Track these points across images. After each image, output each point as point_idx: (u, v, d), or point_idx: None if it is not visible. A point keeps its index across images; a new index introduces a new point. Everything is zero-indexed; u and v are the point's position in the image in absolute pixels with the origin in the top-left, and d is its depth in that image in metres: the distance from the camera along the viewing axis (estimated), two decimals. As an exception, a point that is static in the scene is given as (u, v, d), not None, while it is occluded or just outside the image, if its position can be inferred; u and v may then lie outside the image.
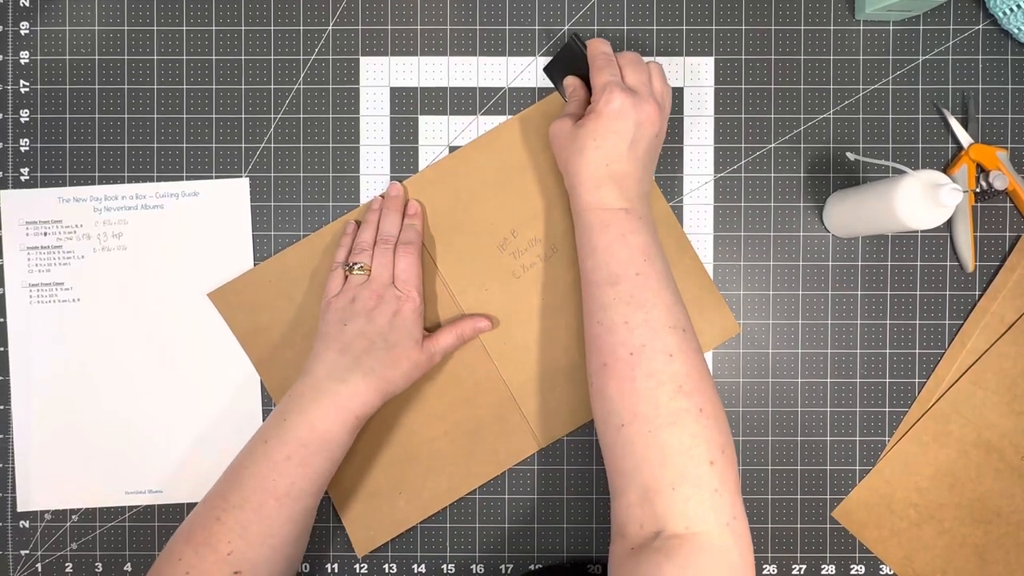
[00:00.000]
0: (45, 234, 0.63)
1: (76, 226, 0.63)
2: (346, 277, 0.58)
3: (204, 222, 0.63)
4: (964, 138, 0.62)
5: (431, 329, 0.60)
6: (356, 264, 0.58)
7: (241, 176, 0.63)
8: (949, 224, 0.62)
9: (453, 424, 0.62)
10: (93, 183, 0.63)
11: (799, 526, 0.63)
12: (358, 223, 0.62)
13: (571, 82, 0.60)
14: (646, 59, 0.57)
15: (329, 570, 0.63)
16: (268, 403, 0.63)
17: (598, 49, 0.57)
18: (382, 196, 0.62)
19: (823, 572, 0.63)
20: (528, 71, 0.63)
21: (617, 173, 0.53)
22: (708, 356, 0.63)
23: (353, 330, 0.55)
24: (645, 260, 0.52)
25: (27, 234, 0.63)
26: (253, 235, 0.63)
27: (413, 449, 0.62)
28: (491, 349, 0.62)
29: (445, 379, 0.62)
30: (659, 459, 0.47)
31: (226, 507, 0.52)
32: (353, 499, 0.62)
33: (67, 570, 0.63)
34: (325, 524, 0.63)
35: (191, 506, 0.63)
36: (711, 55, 0.63)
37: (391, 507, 0.62)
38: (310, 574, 0.63)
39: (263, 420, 0.62)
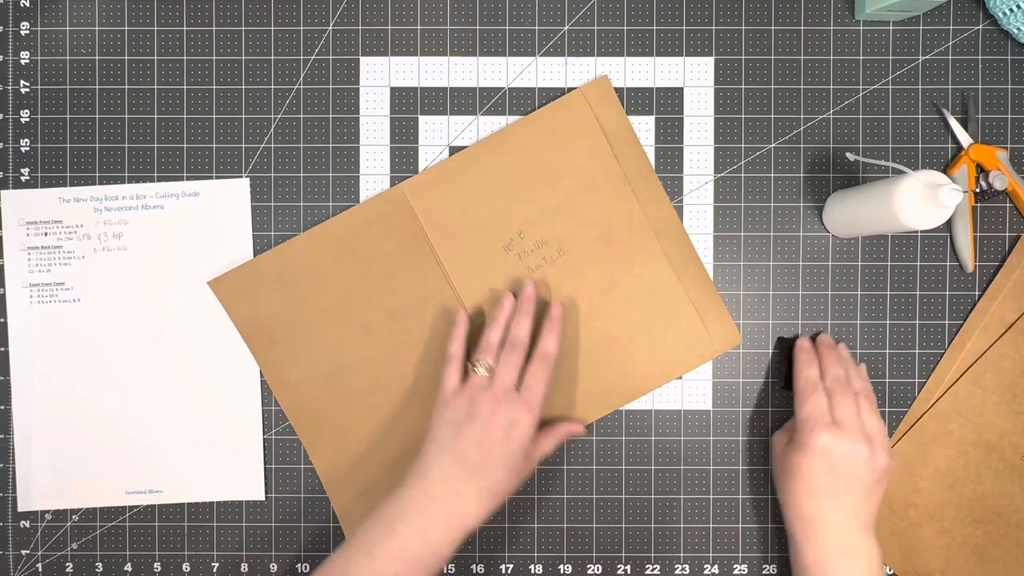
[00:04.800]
0: (46, 234, 0.63)
1: (76, 226, 0.63)
2: (466, 371, 0.56)
3: (204, 222, 0.63)
4: (964, 138, 0.62)
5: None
6: (480, 362, 0.56)
7: (241, 176, 0.63)
8: (949, 224, 0.62)
9: None
10: (93, 183, 0.63)
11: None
12: (469, 316, 0.60)
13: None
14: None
15: (329, 570, 0.63)
16: (268, 403, 0.63)
17: (802, 374, 0.57)
18: (514, 294, 0.60)
19: (823, 572, 0.63)
20: (528, 71, 0.63)
21: (832, 508, 0.52)
22: (709, 361, 0.63)
23: (468, 439, 0.52)
24: None
25: (27, 234, 0.63)
26: (253, 235, 0.63)
27: (411, 445, 0.62)
28: None
29: None
30: None
31: None
32: (348, 494, 0.62)
33: (67, 570, 0.63)
34: (325, 524, 0.63)
35: (191, 506, 0.63)
36: (711, 55, 0.63)
37: None
38: (310, 574, 0.63)
39: (262, 419, 0.63)
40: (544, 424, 0.58)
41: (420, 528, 0.50)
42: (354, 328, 0.62)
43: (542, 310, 0.61)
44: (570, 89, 0.63)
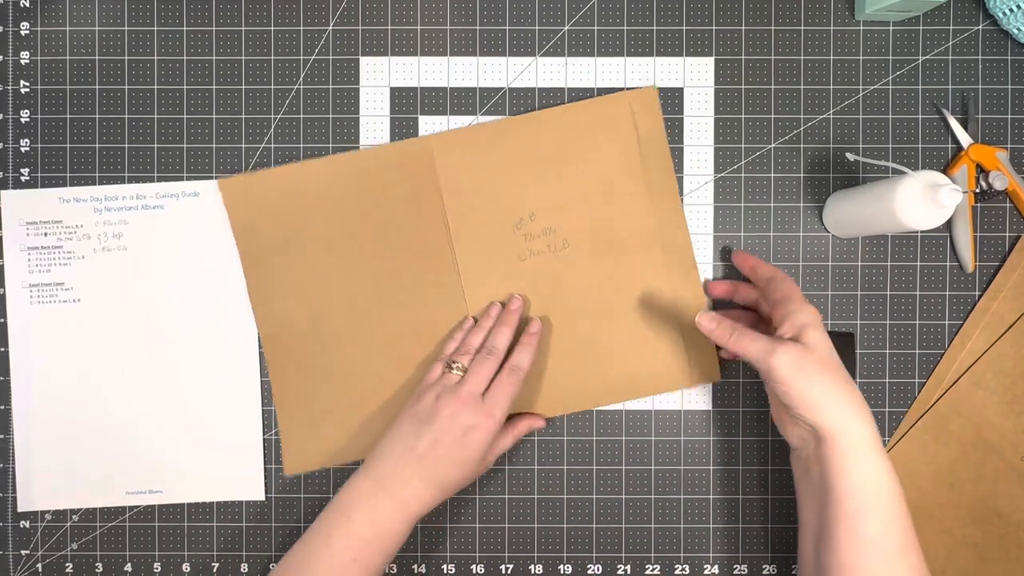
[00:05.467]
0: (45, 234, 0.63)
1: (76, 226, 0.63)
2: (443, 372, 0.58)
3: (204, 222, 0.63)
4: (964, 138, 0.62)
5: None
6: (455, 364, 0.57)
7: (241, 176, 0.63)
8: (949, 224, 0.62)
9: None
10: (93, 183, 0.63)
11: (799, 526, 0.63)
12: (475, 319, 0.61)
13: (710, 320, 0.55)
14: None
15: (329, 570, 0.63)
16: (268, 403, 0.63)
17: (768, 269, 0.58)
18: (502, 304, 0.61)
19: (823, 572, 0.63)
20: (528, 71, 0.63)
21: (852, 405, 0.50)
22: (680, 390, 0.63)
23: (425, 435, 0.54)
24: None
25: (27, 234, 0.63)
26: (253, 235, 0.63)
27: (373, 393, 0.62)
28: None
29: (427, 347, 0.62)
30: None
31: None
32: (299, 418, 0.62)
33: (67, 570, 0.63)
34: (325, 524, 0.63)
35: (191, 506, 0.63)
36: (711, 55, 0.63)
37: (334, 441, 0.62)
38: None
39: (262, 419, 0.63)
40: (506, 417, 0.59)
41: (370, 515, 0.53)
42: (346, 262, 0.62)
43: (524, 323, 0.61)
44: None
